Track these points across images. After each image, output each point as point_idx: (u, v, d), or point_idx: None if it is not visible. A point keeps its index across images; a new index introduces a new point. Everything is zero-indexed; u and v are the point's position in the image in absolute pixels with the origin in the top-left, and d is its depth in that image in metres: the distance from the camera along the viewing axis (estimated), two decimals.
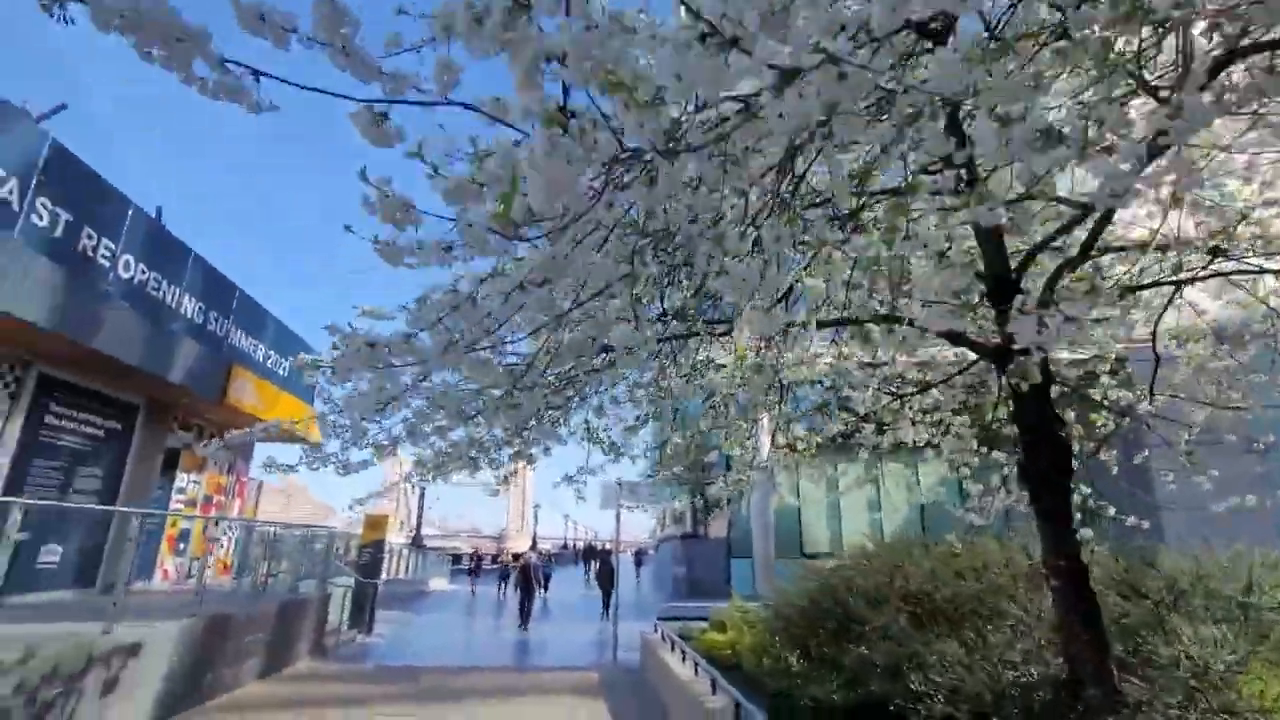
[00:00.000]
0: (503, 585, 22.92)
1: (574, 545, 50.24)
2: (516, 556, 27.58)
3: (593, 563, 30.71)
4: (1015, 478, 4.75)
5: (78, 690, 4.85)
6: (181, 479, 11.66)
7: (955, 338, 3.10)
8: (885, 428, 5.27)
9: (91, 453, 9.00)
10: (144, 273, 8.78)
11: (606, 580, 17.44)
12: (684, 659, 6.83)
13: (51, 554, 8.30)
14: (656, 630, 9.22)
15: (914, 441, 5.18)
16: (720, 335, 3.84)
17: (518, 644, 12.46)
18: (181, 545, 11.58)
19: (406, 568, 23.67)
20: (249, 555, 8.84)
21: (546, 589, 20.84)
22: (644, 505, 9.77)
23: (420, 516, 30.87)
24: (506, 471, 4.54)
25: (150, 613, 6.29)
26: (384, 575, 20.00)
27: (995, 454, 5.21)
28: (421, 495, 31.25)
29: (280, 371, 12.82)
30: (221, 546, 12.92)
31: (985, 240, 2.96)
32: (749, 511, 21.59)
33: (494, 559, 34.96)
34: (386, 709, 6.91)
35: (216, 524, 12.18)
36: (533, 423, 3.59)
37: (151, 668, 5.76)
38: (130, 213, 8.55)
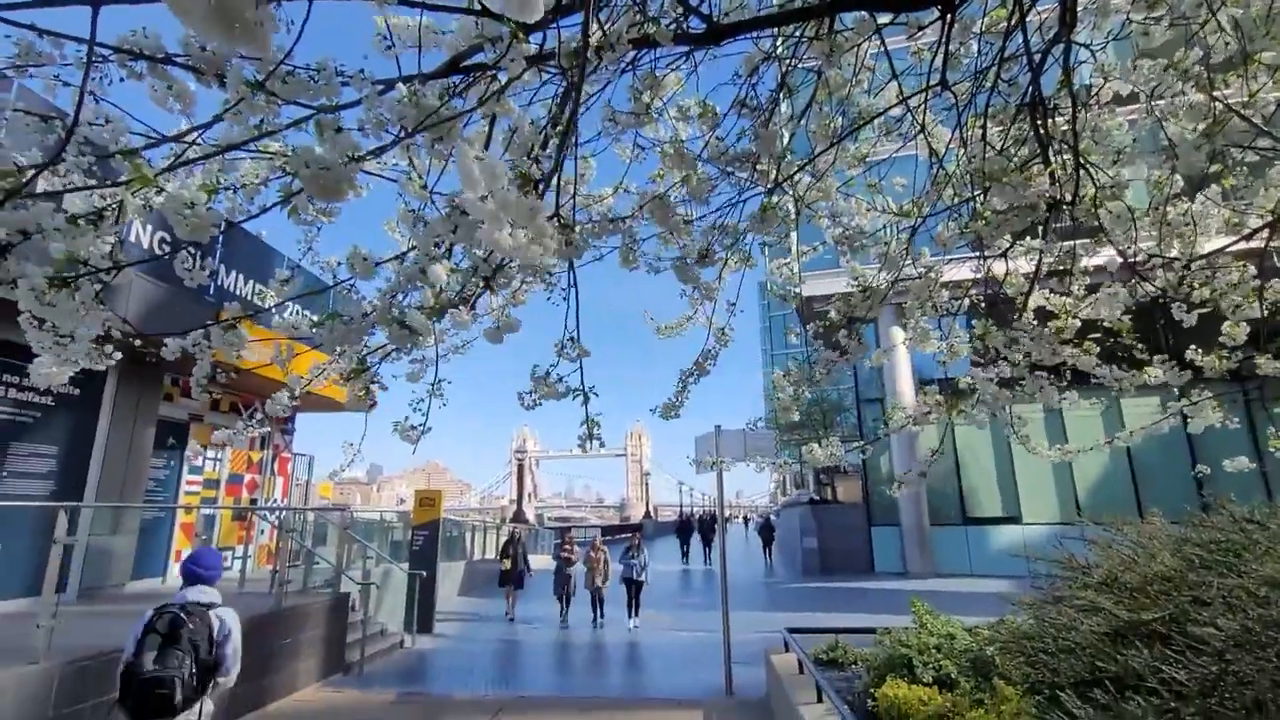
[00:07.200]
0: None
1: (686, 513, 43.87)
2: (633, 529, 23.53)
3: (691, 538, 24.89)
4: None
5: None
6: (197, 456, 9.84)
7: None
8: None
9: (32, 426, 7.06)
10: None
11: (768, 535, 22.20)
12: None
13: None
14: (787, 648, 6.06)
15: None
16: None
17: (595, 652, 9.76)
18: (204, 536, 9.81)
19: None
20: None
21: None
22: (755, 459, 6.54)
23: (520, 489, 29.40)
24: None
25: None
26: (473, 557, 18.31)
27: None
28: (520, 468, 29.88)
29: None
30: (262, 532, 11.19)
31: None
32: (891, 469, 17.57)
33: (614, 532, 29.27)
34: None
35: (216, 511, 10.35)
36: None
37: None
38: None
